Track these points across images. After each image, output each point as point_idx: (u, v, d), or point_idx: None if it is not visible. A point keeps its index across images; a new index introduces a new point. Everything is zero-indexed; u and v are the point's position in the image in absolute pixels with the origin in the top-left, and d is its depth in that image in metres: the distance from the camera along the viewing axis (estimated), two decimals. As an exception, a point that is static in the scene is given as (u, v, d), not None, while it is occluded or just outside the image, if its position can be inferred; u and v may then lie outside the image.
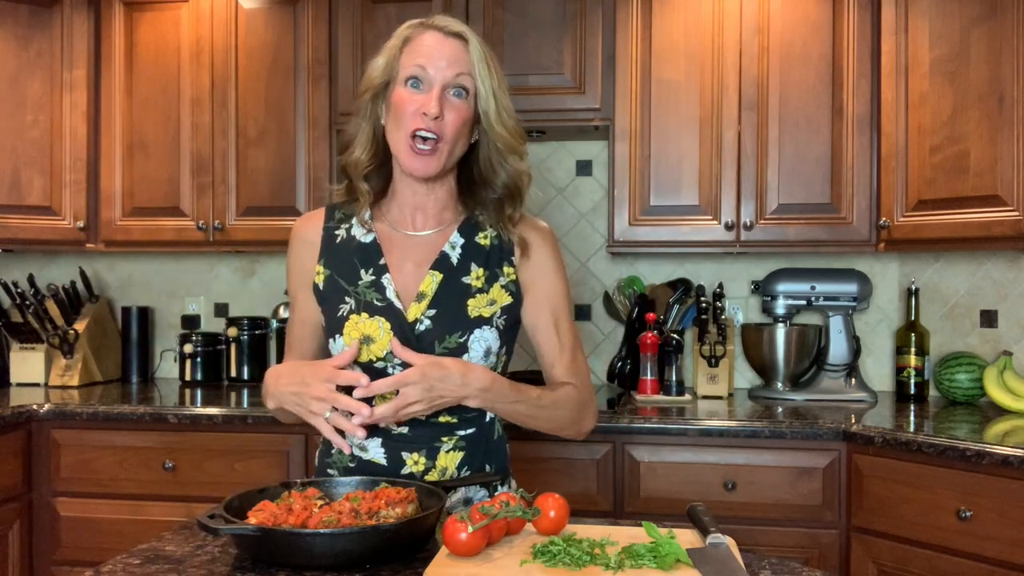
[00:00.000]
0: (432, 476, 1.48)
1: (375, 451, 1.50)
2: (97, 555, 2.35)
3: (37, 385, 3.09)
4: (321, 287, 1.52)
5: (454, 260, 1.50)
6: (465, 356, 1.45)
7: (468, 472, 1.51)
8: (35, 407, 2.64)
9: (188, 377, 3.13)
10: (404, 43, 1.46)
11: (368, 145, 1.50)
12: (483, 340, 1.46)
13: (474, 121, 1.47)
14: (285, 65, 2.92)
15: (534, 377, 1.60)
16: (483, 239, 1.53)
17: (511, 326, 1.53)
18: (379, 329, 1.45)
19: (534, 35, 2.80)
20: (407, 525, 1.18)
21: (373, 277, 1.49)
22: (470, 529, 1.15)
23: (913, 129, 2.53)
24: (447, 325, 1.45)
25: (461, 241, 1.52)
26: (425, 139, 1.42)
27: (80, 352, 3.08)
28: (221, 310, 3.37)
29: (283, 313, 3.14)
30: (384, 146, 1.51)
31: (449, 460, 1.49)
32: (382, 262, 1.50)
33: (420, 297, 1.47)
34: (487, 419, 1.53)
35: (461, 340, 1.45)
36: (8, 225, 2.93)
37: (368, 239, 1.53)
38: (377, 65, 1.48)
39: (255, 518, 1.18)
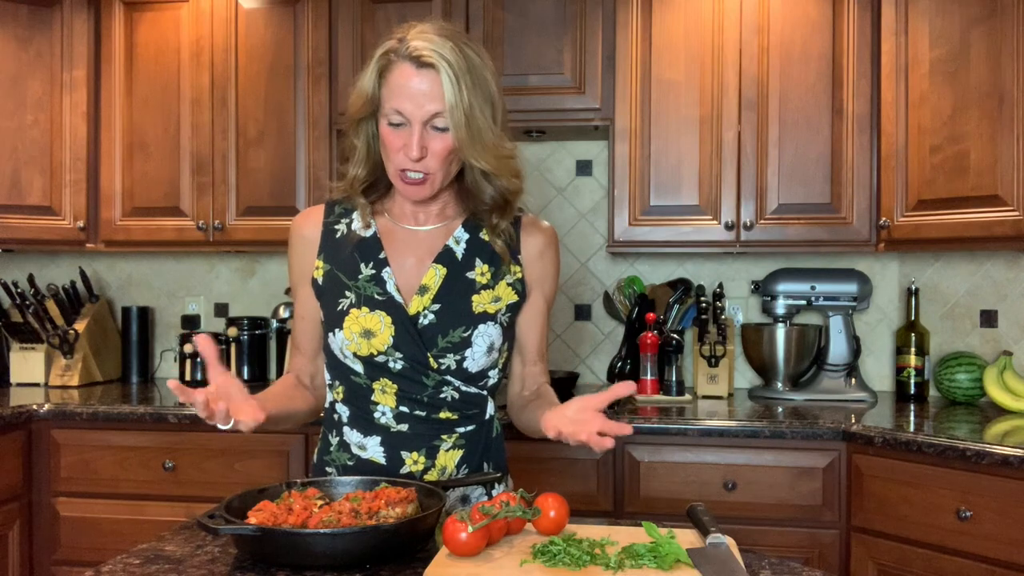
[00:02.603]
0: (431, 475, 1.48)
1: (374, 450, 1.49)
2: (97, 555, 2.35)
3: (37, 385, 3.09)
4: (320, 282, 1.52)
5: (458, 255, 1.50)
6: (468, 351, 1.46)
7: (467, 470, 1.51)
8: (35, 407, 2.64)
9: (188, 377, 3.13)
10: (381, 77, 1.42)
11: (363, 163, 1.50)
12: (487, 336, 1.47)
13: None
14: (285, 65, 2.92)
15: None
16: (487, 235, 1.53)
17: (514, 323, 1.54)
18: (380, 323, 1.45)
19: (534, 35, 2.80)
20: (407, 525, 1.18)
21: (373, 271, 1.49)
22: (470, 529, 1.15)
23: (913, 129, 2.53)
24: (451, 319, 1.45)
25: (466, 236, 1.52)
26: (415, 179, 1.41)
27: (80, 352, 3.08)
28: (221, 310, 3.37)
29: (283, 313, 3.13)
30: (380, 158, 1.50)
31: (448, 459, 1.49)
32: (382, 256, 1.50)
33: (423, 290, 1.47)
34: (487, 416, 1.53)
35: (465, 335, 1.45)
36: (8, 225, 2.93)
37: (368, 233, 1.52)
38: (361, 93, 1.44)
39: (255, 518, 1.18)
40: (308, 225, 1.56)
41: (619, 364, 2.93)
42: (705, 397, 2.82)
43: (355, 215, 1.54)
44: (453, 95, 1.37)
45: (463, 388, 1.49)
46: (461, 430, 1.51)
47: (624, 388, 1.26)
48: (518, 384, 1.61)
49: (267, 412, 1.30)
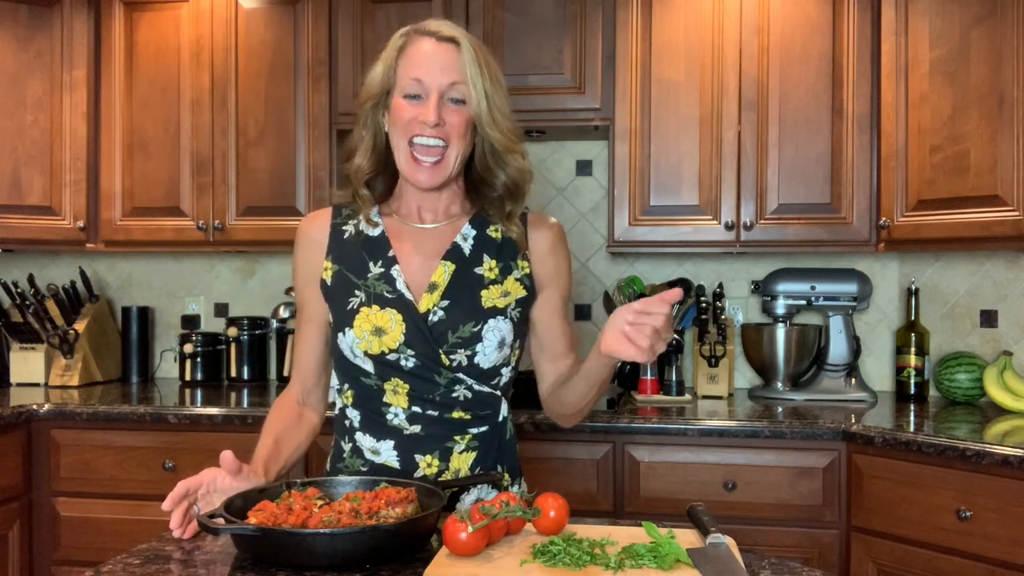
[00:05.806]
0: (445, 478, 1.48)
1: (387, 454, 1.49)
2: (97, 555, 2.34)
3: (37, 385, 3.09)
4: (329, 282, 1.52)
5: (466, 251, 1.51)
6: (479, 346, 1.45)
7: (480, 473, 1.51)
8: (35, 407, 2.64)
9: (188, 377, 3.13)
10: (399, 52, 1.47)
11: (369, 152, 1.51)
12: (497, 330, 1.46)
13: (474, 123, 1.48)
14: (285, 65, 2.92)
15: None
16: (494, 232, 1.53)
17: (525, 319, 1.54)
18: (391, 321, 1.45)
19: (534, 35, 2.80)
20: (407, 525, 1.18)
21: (382, 269, 1.49)
22: (470, 529, 1.15)
23: (913, 129, 2.53)
24: (461, 315, 1.46)
25: (473, 233, 1.52)
26: (431, 147, 1.43)
27: (80, 352, 3.08)
28: (221, 310, 3.37)
29: (283, 313, 3.13)
30: (386, 152, 1.52)
31: (462, 461, 1.49)
32: (391, 254, 1.50)
33: (432, 287, 1.47)
34: (500, 418, 1.53)
35: (475, 329, 1.45)
36: (8, 225, 2.93)
37: (376, 232, 1.53)
38: (375, 74, 1.49)
39: (255, 518, 1.18)
40: (315, 227, 1.57)
41: (619, 364, 2.92)
42: (705, 397, 2.82)
43: (362, 217, 1.54)
44: (473, 66, 1.44)
45: (475, 387, 1.48)
46: (474, 431, 1.50)
47: (673, 294, 1.23)
48: (550, 381, 1.57)
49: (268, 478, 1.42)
